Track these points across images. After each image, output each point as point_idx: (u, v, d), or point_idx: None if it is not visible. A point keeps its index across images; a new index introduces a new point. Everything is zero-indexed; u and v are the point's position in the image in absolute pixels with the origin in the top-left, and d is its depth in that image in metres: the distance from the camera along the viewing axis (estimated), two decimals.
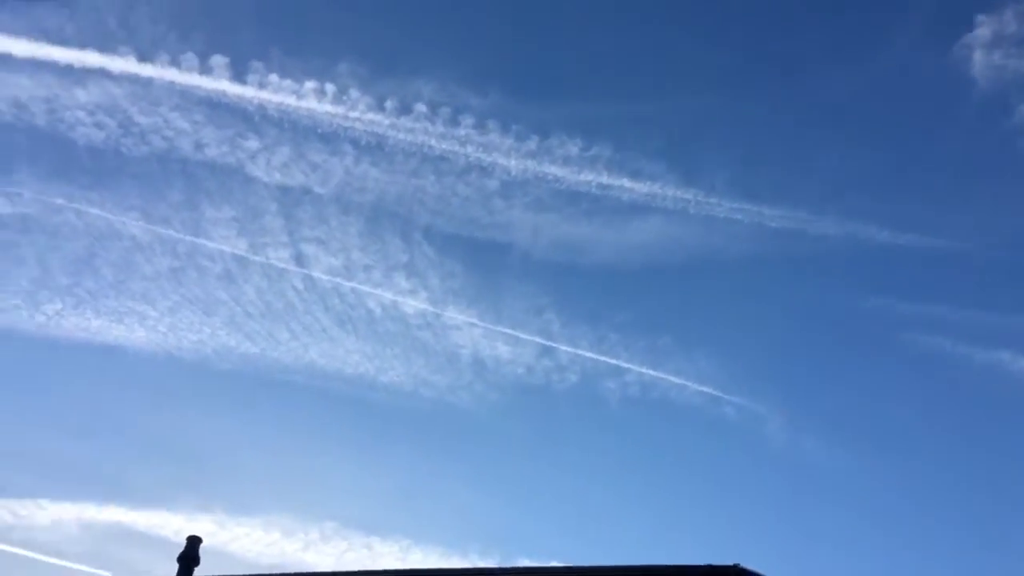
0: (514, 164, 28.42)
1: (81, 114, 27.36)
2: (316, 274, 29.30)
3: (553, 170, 28.43)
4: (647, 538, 30.70)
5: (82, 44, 26.63)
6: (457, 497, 32.28)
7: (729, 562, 9.73)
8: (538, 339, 30.53)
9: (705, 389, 29.87)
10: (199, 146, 28.23)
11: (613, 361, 30.18)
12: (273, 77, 27.13)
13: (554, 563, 11.97)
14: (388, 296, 29.72)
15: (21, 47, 25.89)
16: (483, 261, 31.76)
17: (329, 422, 33.39)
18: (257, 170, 28.52)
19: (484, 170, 29.06)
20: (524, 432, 34.17)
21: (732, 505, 32.50)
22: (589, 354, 30.26)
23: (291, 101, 27.19)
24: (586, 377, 30.63)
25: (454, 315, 30.12)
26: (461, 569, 12.29)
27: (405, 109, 27.83)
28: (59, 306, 28.79)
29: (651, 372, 30.07)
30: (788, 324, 34.04)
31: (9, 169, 29.47)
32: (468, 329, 30.28)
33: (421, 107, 27.89)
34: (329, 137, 28.33)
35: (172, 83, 27.02)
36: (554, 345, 30.38)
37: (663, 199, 28.46)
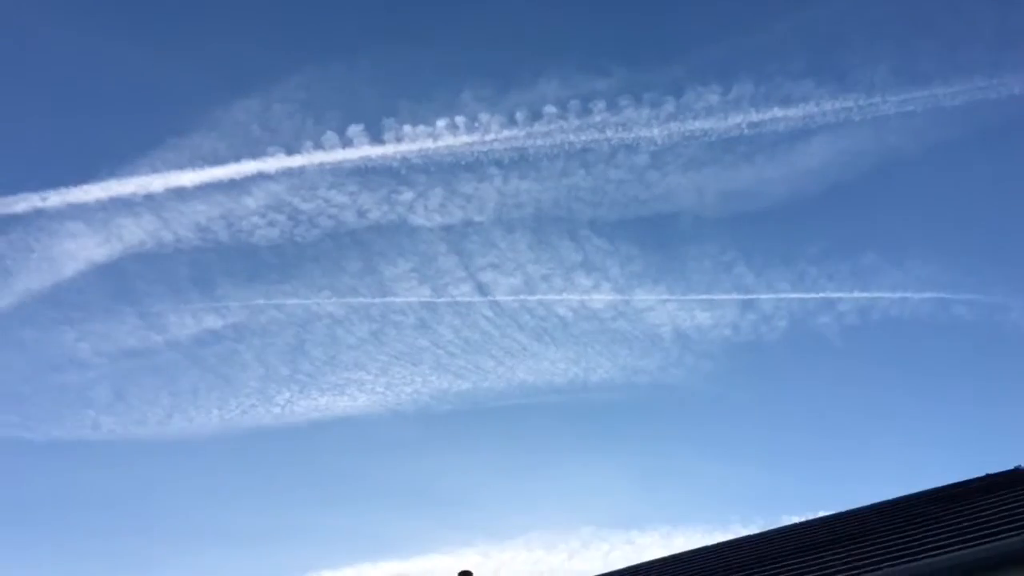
0: (657, 132, 27.87)
1: (255, 219, 29.48)
2: (500, 298, 29.96)
3: (698, 125, 27.61)
4: (909, 465, 29.03)
5: (237, 157, 28.73)
6: (699, 474, 31.87)
7: (1008, 467, 9.04)
8: (735, 296, 29.67)
9: (928, 295, 27.86)
10: (361, 213, 29.67)
11: (820, 295, 28.79)
12: (407, 128, 28.11)
13: (822, 513, 11.49)
14: (574, 298, 29.90)
15: (189, 177, 28.26)
16: (656, 236, 31.31)
17: (554, 434, 34.01)
18: (418, 218, 29.61)
19: (630, 148, 28.69)
20: (747, 392, 33.29)
21: (990, 408, 30.07)
22: (793, 295, 29.04)
23: (429, 144, 28.05)
24: (796, 320, 29.42)
25: (643, 297, 29.85)
26: (731, 541, 12.06)
27: (536, 115, 28.00)
28: (287, 395, 31.14)
29: (864, 295, 28.40)
30: (998, 202, 31.18)
31: (211, 287, 32.23)
32: (661, 307, 29.91)
33: (551, 108, 27.96)
34: (473, 166, 28.97)
35: (321, 164, 28.58)
36: (753, 297, 29.41)
37: (822, 116, 26.89)
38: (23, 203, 29.48)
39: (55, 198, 29.07)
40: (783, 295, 29.17)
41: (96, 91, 37.52)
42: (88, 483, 38.95)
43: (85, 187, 28.87)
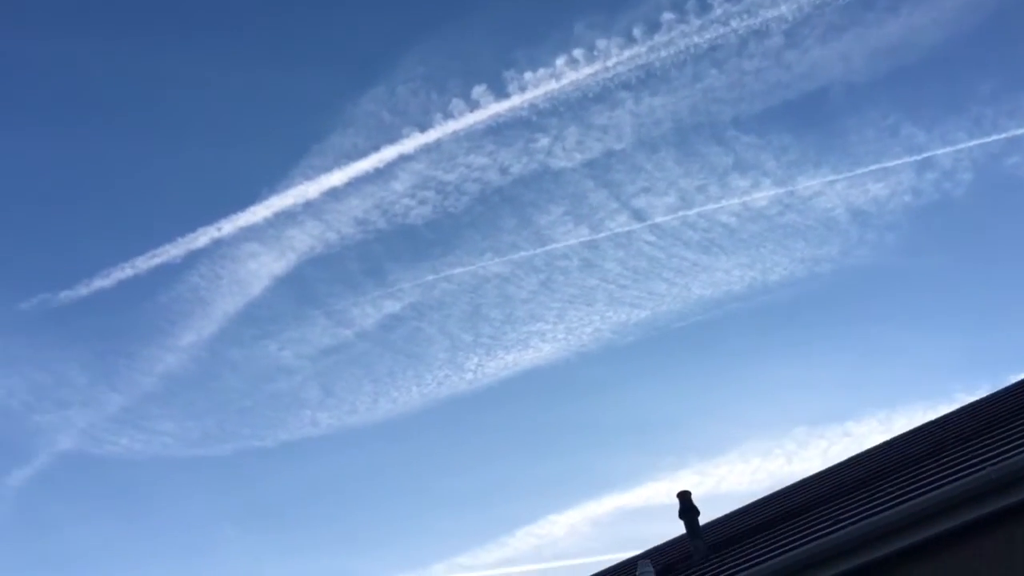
0: (785, 9, 26.21)
1: (406, 201, 30.35)
2: (659, 220, 29.42)
3: None
4: None
5: (376, 146, 29.60)
6: (905, 350, 30.27)
7: None
8: (908, 158, 27.67)
9: None
10: (503, 170, 29.89)
11: (1003, 135, 26.34)
12: (528, 75, 27.92)
13: None
14: (735, 202, 28.89)
15: (338, 177, 29.41)
16: (807, 117, 29.62)
17: (744, 342, 33.27)
18: (559, 161, 29.47)
19: (760, 33, 27.15)
20: (941, 256, 31.13)
21: None
22: (972, 143, 26.73)
23: (553, 86, 27.74)
24: (981, 168, 27.08)
25: (808, 184, 28.41)
26: (959, 409, 11.40)
27: (653, 27, 27.00)
28: (475, 359, 32.15)
29: None
30: None
31: (383, 274, 33.63)
32: (829, 189, 28.36)
33: (668, 15, 26.89)
34: (602, 96, 28.40)
35: (454, 132, 28.94)
36: (928, 155, 27.31)
37: None
38: (202, 237, 31.79)
39: (228, 226, 31.15)
40: (961, 145, 26.91)
41: (239, 119, 39.73)
42: (319, 475, 42.08)
43: (251, 209, 30.73)
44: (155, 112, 40.73)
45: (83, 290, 33.25)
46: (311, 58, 37.72)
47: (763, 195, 28.66)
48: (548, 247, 30.64)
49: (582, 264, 30.60)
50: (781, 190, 28.63)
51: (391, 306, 33.51)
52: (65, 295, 33.89)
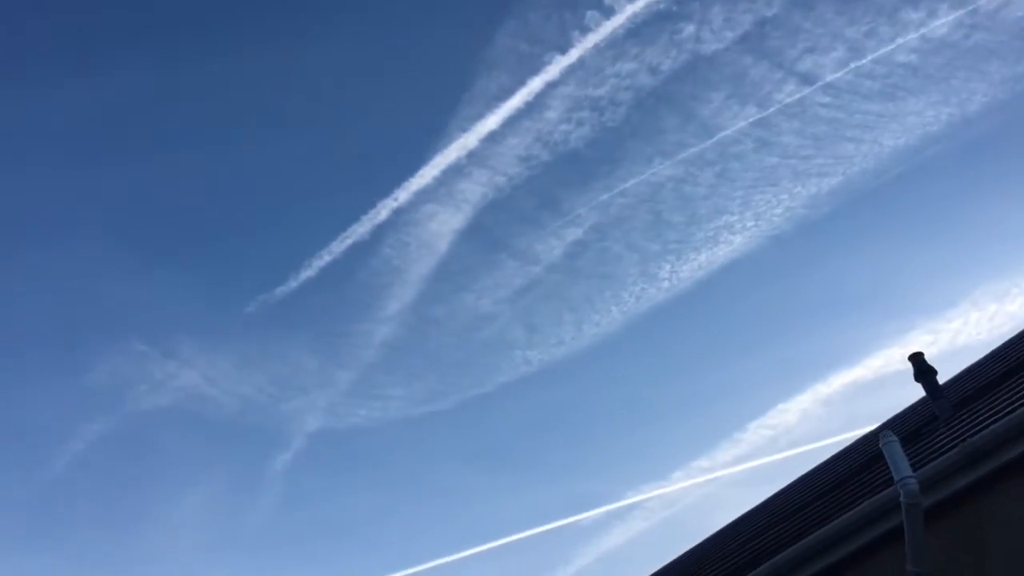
0: None
1: (563, 127, 30.14)
2: (830, 78, 27.48)
3: None
4: None
5: (521, 80, 29.46)
6: None
7: None
8: None
9: None
10: (653, 70, 28.94)
11: None
12: None
13: None
14: (911, 37, 26.41)
15: (492, 121, 29.62)
16: None
17: (954, 183, 30.75)
18: (709, 45, 28.09)
19: None
20: None
21: None
22: None
23: None
24: None
25: None
26: None
27: None
28: (667, 267, 31.78)
29: None
30: None
31: (557, 204, 33.80)
32: None
33: None
34: None
35: (595, 45, 28.26)
36: None
37: None
38: (383, 210, 33.19)
39: (402, 194, 32.29)
40: None
41: (387, 92, 40.86)
42: (541, 409, 43.43)
43: (420, 173, 31.66)
44: (307, 109, 42.70)
45: (293, 283, 35.79)
46: (437, 17, 38.01)
47: (942, 22, 26.01)
48: (717, 136, 29.50)
49: (757, 145, 29.25)
50: (962, 11, 25.86)
51: (572, 233, 33.65)
52: (280, 291, 36.62)
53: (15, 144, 40.83)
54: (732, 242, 30.42)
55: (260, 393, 41.26)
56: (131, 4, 38.98)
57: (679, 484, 33.44)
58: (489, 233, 35.65)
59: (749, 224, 30.00)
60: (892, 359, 27.77)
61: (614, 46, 28.30)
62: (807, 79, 27.87)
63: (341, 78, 40.74)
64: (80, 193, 42.61)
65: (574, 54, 28.30)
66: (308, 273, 34.14)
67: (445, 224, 33.75)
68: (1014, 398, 7.67)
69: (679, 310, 36.05)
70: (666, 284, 32.15)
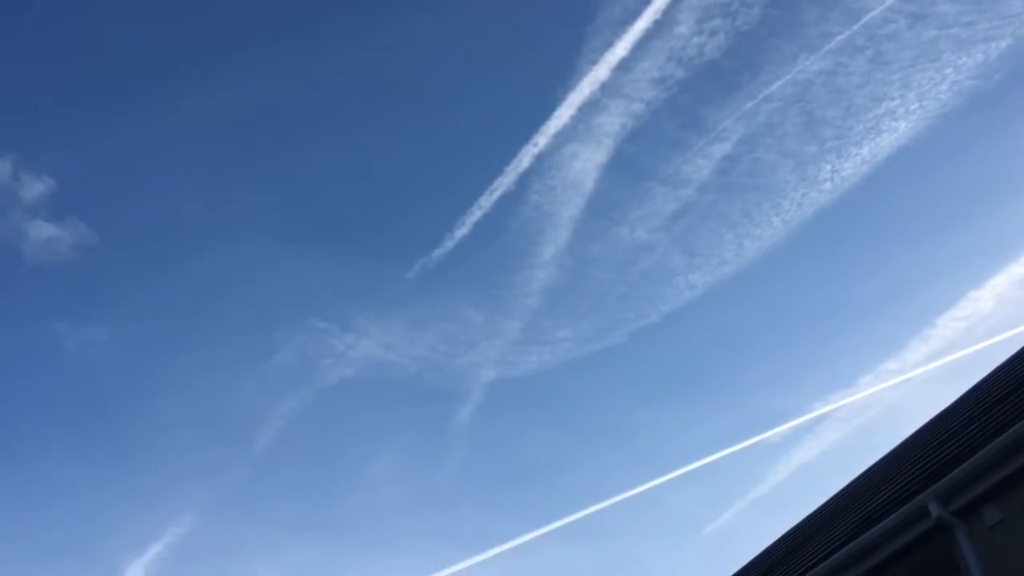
0: None
1: (695, 39, 29.05)
2: None
3: None
4: None
5: (638, 9, 28.53)
6: None
7: None
8: None
9: None
10: None
11: None
12: None
13: None
14: None
15: (621, 48, 28.97)
16: None
17: None
18: None
19: None
20: None
21: None
22: None
23: None
24: None
25: None
26: None
27: None
28: (828, 167, 30.38)
29: None
30: None
31: (701, 122, 32.83)
32: None
33: None
34: None
35: None
36: None
37: None
38: (525, 158, 33.32)
39: (541, 139, 32.25)
40: None
41: (513, 40, 40.78)
42: (711, 332, 42.74)
43: (556, 114, 31.49)
44: (434, 77, 43.22)
45: (449, 243, 36.70)
46: None
47: None
48: (864, 19, 27.57)
49: (910, 20, 27.14)
50: None
51: (720, 149, 32.53)
52: (438, 253, 37.67)
53: (179, 149, 43.78)
54: (896, 129, 28.52)
55: (434, 352, 42.87)
56: (268, 3, 40.70)
57: (869, 390, 32.15)
58: (634, 163, 35.08)
59: (913, 107, 28.01)
60: None
61: None
62: None
63: (462, 40, 40.95)
64: (241, 191, 45.29)
65: None
66: (462, 231, 34.91)
67: (588, 161, 33.47)
68: None
69: (846, 210, 34.30)
70: (828, 185, 30.63)
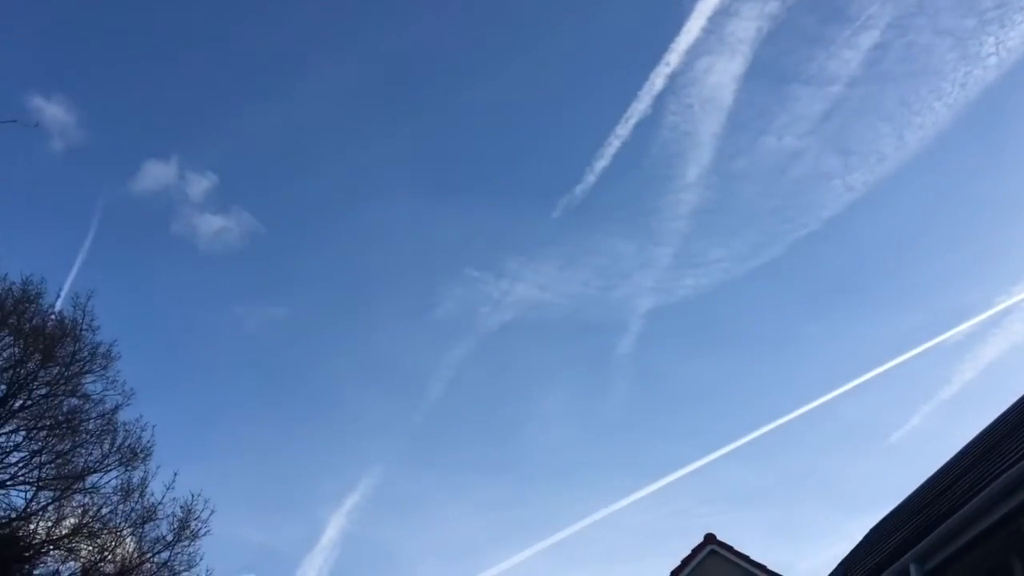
0: None
1: None
2: None
3: None
4: None
5: None
6: None
7: None
8: None
9: None
10: None
11: None
12: None
13: None
14: None
15: None
16: None
17: None
18: None
19: None
20: None
21: None
22: None
23: None
24: None
25: None
26: None
27: None
28: (991, 39, 27.90)
29: None
30: None
31: (843, 13, 30.70)
32: None
33: None
34: None
35: None
36: None
37: None
38: (657, 79, 32.56)
39: (672, 57, 31.41)
40: None
41: None
42: (878, 234, 40.52)
43: (684, 29, 30.48)
44: (551, 19, 42.44)
45: (591, 177, 36.50)
46: None
47: None
48: None
49: None
50: None
51: (868, 38, 30.50)
52: (579, 189, 37.56)
53: (319, 122, 45.41)
54: None
55: (588, 288, 43.00)
56: None
57: None
58: (774, 67, 33.46)
59: None
60: None
61: None
62: None
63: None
64: (382, 153, 46.61)
65: None
66: (601, 164, 34.59)
67: (724, 73, 32.28)
68: None
69: (1015, 84, 31.46)
70: (993, 60, 28.23)
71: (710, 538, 20.79)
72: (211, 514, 22.19)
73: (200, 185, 40.74)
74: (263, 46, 43.97)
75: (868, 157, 35.99)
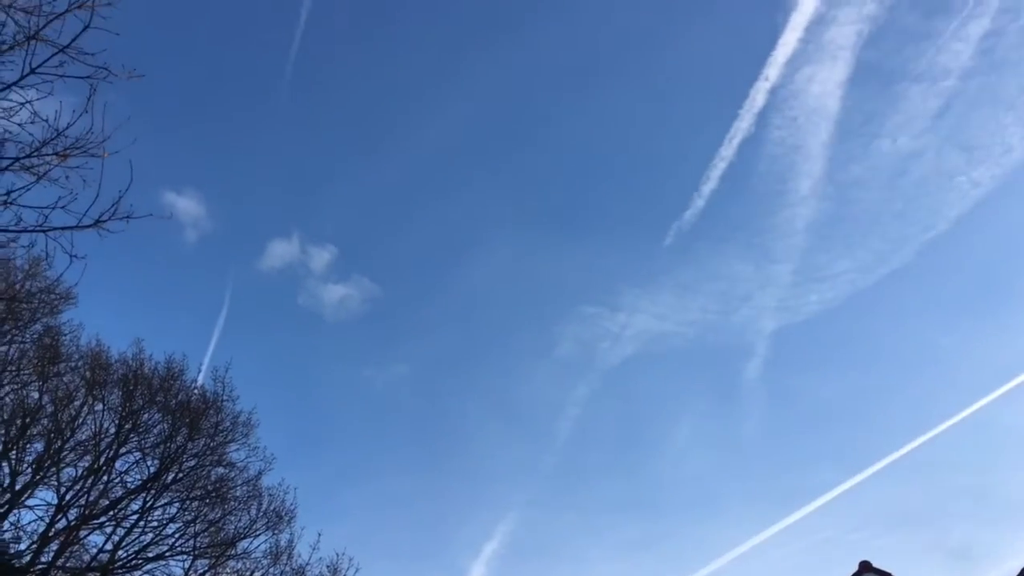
0: None
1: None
2: None
3: None
4: None
5: None
6: None
7: None
8: None
9: None
10: None
11: None
12: None
13: None
14: None
15: None
16: None
17: None
18: None
19: None
20: None
21: None
22: None
23: None
24: None
25: None
26: None
27: None
28: None
29: None
30: None
31: (948, 3, 29.29)
32: None
33: None
34: None
35: None
36: None
37: None
38: (757, 95, 31.86)
39: (771, 71, 30.66)
40: None
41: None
42: (1014, 227, 38.10)
43: (781, 41, 29.79)
44: (645, 56, 42.24)
45: (699, 201, 35.96)
46: None
47: None
48: None
49: None
50: None
51: (977, 27, 29.19)
52: (689, 214, 37.04)
53: (427, 174, 46.47)
54: None
55: (708, 313, 42.11)
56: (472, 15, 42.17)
57: None
58: (879, 69, 32.27)
59: None
60: None
61: None
62: None
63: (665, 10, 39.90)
64: (490, 197, 47.27)
65: None
66: (709, 186, 34.05)
67: (827, 81, 31.39)
68: None
69: None
70: None
71: (865, 566, 19.80)
72: (356, 572, 22.68)
73: (321, 258, 42.59)
74: (362, 106, 45.68)
75: (992, 150, 34.13)
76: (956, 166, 35.68)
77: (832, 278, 39.46)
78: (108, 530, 21.15)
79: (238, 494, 22.74)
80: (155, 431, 22.21)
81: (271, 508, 22.78)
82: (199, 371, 23.82)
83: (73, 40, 8.70)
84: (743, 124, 31.64)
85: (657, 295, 42.48)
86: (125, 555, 20.71)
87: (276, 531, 22.69)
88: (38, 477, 20.81)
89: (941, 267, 42.02)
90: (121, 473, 21.67)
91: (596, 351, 43.44)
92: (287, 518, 22.90)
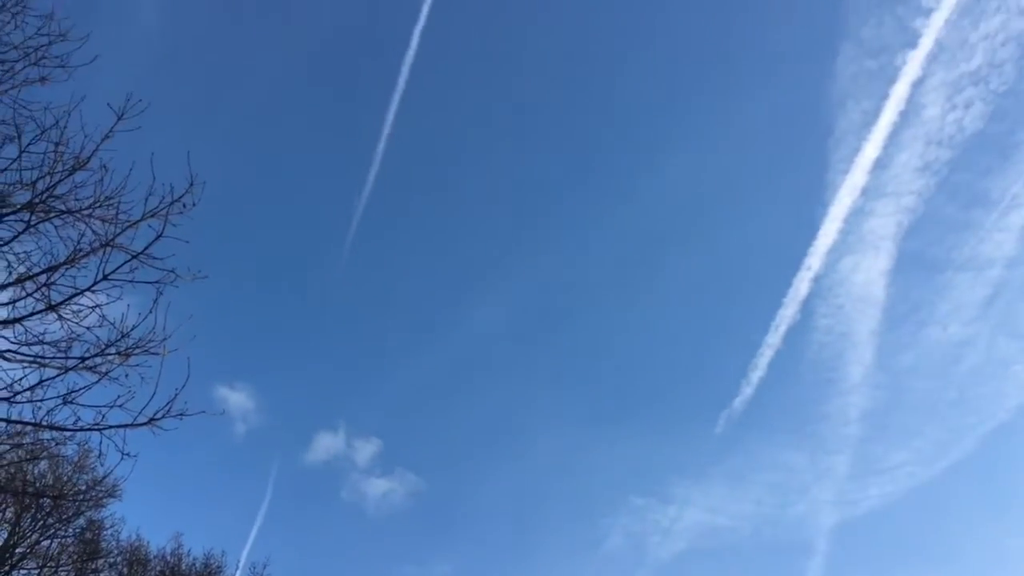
0: None
1: (950, 117, 27.02)
2: None
3: None
4: None
5: (884, 94, 27.29)
6: None
7: None
8: None
9: None
10: None
11: None
12: None
13: None
14: None
15: (869, 153, 27.60)
16: None
17: None
18: None
19: None
20: None
21: None
22: None
23: None
24: None
25: None
26: None
27: None
28: None
29: None
30: None
31: (986, 195, 29.69)
32: None
33: None
34: None
35: None
36: None
37: None
38: (802, 284, 31.89)
39: (813, 260, 30.70)
40: None
41: (756, 186, 40.07)
42: None
43: (821, 232, 30.06)
44: (685, 238, 43.06)
45: (747, 389, 35.37)
46: (768, 94, 36.86)
47: None
48: None
49: None
50: None
51: (1018, 217, 29.52)
52: (738, 402, 36.25)
53: (469, 366, 46.57)
54: None
55: (762, 506, 40.34)
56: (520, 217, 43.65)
57: None
58: (922, 258, 32.42)
59: None
60: None
61: (969, 11, 25.46)
62: None
63: (714, 187, 41.07)
64: (535, 391, 47.01)
65: (926, 42, 25.96)
66: (757, 374, 33.57)
67: (871, 270, 31.49)
68: None
69: None
70: None
71: None
72: None
73: (365, 451, 42.39)
74: (409, 300, 46.67)
75: None
76: (1010, 354, 34.95)
77: (891, 470, 37.89)
78: None
79: None
80: None
81: None
82: (237, 567, 23.17)
83: (146, 248, 9.08)
84: (788, 312, 31.69)
85: (709, 486, 41.05)
86: None
87: None
88: None
89: (1002, 460, 40.20)
90: None
91: (646, 545, 41.58)
92: None
